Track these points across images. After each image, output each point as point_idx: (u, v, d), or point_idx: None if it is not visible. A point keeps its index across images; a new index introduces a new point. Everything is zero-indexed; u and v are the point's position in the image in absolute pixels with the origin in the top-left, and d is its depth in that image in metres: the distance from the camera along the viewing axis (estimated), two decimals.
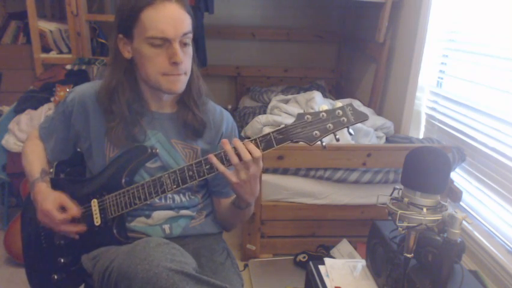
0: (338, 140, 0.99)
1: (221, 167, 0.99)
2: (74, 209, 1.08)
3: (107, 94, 1.09)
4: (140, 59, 1.05)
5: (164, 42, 1.01)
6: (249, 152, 0.97)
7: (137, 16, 1.00)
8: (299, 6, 3.39)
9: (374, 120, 2.35)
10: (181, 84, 1.07)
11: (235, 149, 0.98)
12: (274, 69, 3.50)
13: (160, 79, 1.04)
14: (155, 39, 1.00)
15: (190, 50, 1.07)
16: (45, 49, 2.58)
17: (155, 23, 0.99)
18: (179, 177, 1.03)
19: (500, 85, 1.74)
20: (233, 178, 1.00)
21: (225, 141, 0.99)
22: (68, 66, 2.42)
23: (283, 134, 0.98)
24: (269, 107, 2.54)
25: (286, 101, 2.55)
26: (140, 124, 1.12)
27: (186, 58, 1.05)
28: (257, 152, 0.97)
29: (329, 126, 0.96)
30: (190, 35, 1.06)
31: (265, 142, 0.99)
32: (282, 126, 0.98)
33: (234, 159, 0.98)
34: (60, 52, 2.62)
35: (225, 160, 1.00)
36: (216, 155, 1.00)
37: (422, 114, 2.31)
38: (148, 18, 0.99)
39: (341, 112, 0.96)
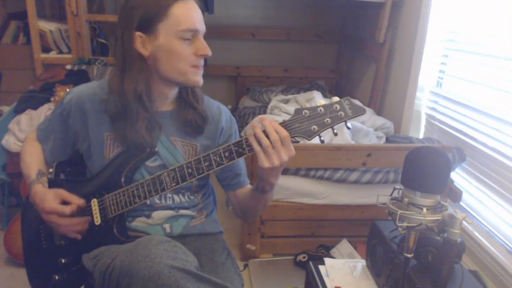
0: (335, 134, 0.99)
1: (257, 147, 0.96)
2: (76, 199, 1.08)
3: (135, 98, 1.06)
4: (167, 54, 1.04)
5: (192, 36, 1.04)
6: (276, 132, 0.96)
7: (167, 11, 1.01)
8: (299, 6, 3.40)
9: (374, 120, 2.35)
10: (201, 77, 1.11)
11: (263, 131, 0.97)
12: (274, 69, 3.51)
13: (189, 72, 1.06)
14: (188, 32, 1.03)
15: None
16: (45, 49, 2.58)
17: (188, 17, 1.03)
18: (178, 175, 1.04)
19: (500, 85, 1.74)
20: (266, 163, 0.97)
21: (255, 124, 0.99)
22: (68, 66, 2.42)
23: None
24: (269, 107, 2.54)
25: (286, 101, 2.55)
26: (159, 124, 1.12)
27: None
28: (283, 131, 0.96)
29: (327, 121, 0.96)
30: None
31: None
32: (280, 121, 0.98)
33: (265, 141, 0.96)
34: (60, 52, 2.62)
35: (224, 157, 1.00)
36: (223, 149, 1.00)
37: (422, 114, 2.31)
38: (180, 12, 1.02)
39: (338, 106, 0.96)
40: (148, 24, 1.02)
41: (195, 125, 1.15)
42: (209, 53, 1.06)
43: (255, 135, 0.96)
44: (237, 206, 1.27)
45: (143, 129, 1.07)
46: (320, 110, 0.96)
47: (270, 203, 1.20)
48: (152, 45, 1.04)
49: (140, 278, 0.87)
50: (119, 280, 0.91)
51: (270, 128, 0.95)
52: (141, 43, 1.04)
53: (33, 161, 1.18)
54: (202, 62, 1.08)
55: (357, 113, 0.96)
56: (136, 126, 1.07)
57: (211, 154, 1.01)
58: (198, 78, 1.09)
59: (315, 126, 0.96)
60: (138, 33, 1.03)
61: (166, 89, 1.11)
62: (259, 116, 0.99)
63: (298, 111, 0.97)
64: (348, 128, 1.00)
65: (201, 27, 1.06)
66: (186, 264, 0.91)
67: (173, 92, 1.14)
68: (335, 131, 0.99)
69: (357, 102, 1.01)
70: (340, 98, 0.98)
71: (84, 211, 1.11)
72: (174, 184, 1.04)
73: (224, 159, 1.00)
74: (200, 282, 0.91)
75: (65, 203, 1.08)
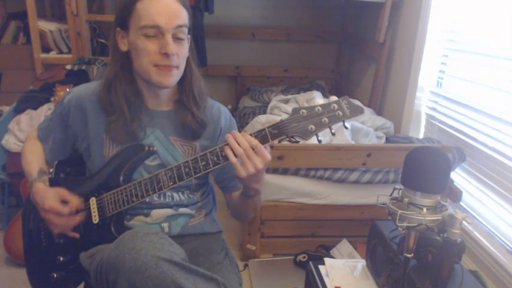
0: (333, 134, 0.99)
1: (233, 159, 0.97)
2: (76, 200, 1.09)
3: (105, 87, 1.10)
4: (135, 51, 1.06)
5: (157, 33, 1.02)
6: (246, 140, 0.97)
7: (133, 7, 1.02)
8: (299, 6, 3.40)
9: (374, 120, 2.35)
10: (172, 78, 1.07)
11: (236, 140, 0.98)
12: (274, 69, 3.51)
13: (151, 70, 1.05)
14: (148, 28, 1.01)
15: (184, 45, 1.08)
16: (45, 49, 2.58)
17: (149, 13, 1.01)
18: (175, 174, 1.04)
19: (500, 85, 1.74)
20: (242, 172, 0.98)
21: (228, 135, 0.99)
22: (68, 66, 2.42)
23: (278, 129, 0.97)
24: (269, 107, 2.54)
25: (286, 101, 2.55)
26: (139, 119, 1.12)
27: (180, 52, 1.06)
28: (254, 140, 0.96)
29: (324, 120, 0.96)
30: (185, 29, 1.06)
31: (260, 137, 0.98)
32: (277, 121, 0.98)
33: (238, 150, 0.96)
34: (60, 52, 2.62)
35: (221, 156, 1.00)
36: (220, 148, 1.00)
37: (422, 114, 2.31)
38: (143, 8, 1.01)
39: (336, 106, 0.96)
40: (123, 20, 1.05)
41: (192, 130, 1.15)
42: (169, 50, 1.02)
43: (229, 145, 0.97)
44: (232, 208, 1.28)
45: (120, 122, 1.09)
46: (318, 109, 0.96)
47: (260, 206, 1.22)
48: (127, 41, 1.07)
49: (126, 271, 0.86)
50: (107, 273, 0.90)
51: (240, 138, 0.97)
52: (121, 38, 1.08)
53: (35, 160, 1.18)
54: (171, 62, 1.04)
55: (355, 112, 0.96)
56: (111, 118, 1.09)
57: (208, 154, 1.01)
58: (161, 79, 1.05)
59: (312, 126, 0.96)
60: (118, 29, 1.07)
61: (151, 87, 1.11)
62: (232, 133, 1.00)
63: (295, 111, 0.97)
64: (346, 127, 1.00)
65: (167, 24, 1.01)
66: (173, 256, 0.91)
67: (164, 91, 1.13)
68: (333, 131, 0.98)
69: (356, 101, 1.01)
70: (338, 97, 0.98)
71: (83, 210, 1.11)
72: (171, 183, 1.04)
73: (221, 158, 1.00)
74: (188, 273, 0.91)
75: (65, 202, 1.08)
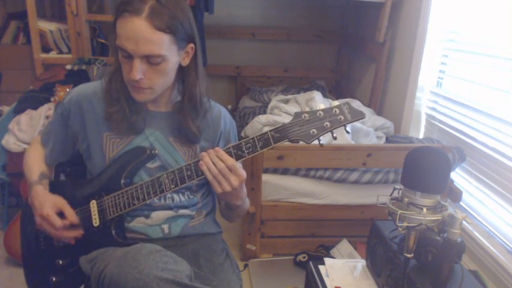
0: (335, 138, 1.00)
1: (210, 176, 1.00)
2: (72, 216, 1.07)
3: (108, 78, 1.10)
4: None
5: (128, 55, 0.99)
6: (222, 160, 0.99)
7: (116, 21, 1.01)
8: (299, 6, 3.40)
9: (374, 120, 2.35)
10: (145, 96, 1.06)
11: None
12: (274, 69, 3.51)
13: (128, 84, 1.06)
14: (120, 49, 1.00)
15: (160, 69, 1.02)
16: (45, 49, 2.58)
17: (121, 34, 0.98)
18: (177, 177, 1.04)
19: (500, 85, 1.74)
20: (218, 189, 1.01)
21: (203, 154, 1.01)
22: (68, 66, 2.42)
23: (281, 133, 0.98)
24: (269, 107, 2.54)
25: (286, 101, 2.55)
26: (138, 112, 1.11)
27: (152, 75, 1.02)
28: (229, 160, 0.99)
29: (326, 125, 0.97)
30: (158, 59, 0.99)
31: (263, 141, 0.99)
32: (280, 124, 0.99)
33: (214, 170, 0.99)
34: (60, 52, 2.62)
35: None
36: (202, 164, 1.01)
37: (422, 114, 2.31)
38: (118, 27, 0.99)
39: (337, 110, 0.97)
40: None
41: (189, 136, 1.14)
42: (132, 77, 0.99)
43: (204, 164, 0.99)
44: (220, 209, 1.29)
45: (120, 114, 1.08)
46: (320, 113, 0.97)
47: (244, 213, 1.26)
48: None
49: None
50: None
51: (215, 159, 0.99)
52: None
53: (36, 164, 1.18)
54: (139, 84, 1.02)
55: (357, 117, 0.98)
56: (111, 110, 1.09)
57: None
58: (134, 95, 1.06)
59: (314, 130, 0.97)
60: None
61: None
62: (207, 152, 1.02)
63: (297, 115, 0.98)
64: (348, 132, 1.01)
65: (133, 50, 0.97)
66: (177, 275, 0.91)
67: (155, 94, 1.10)
68: (335, 135, 1.00)
69: (357, 102, 1.01)
70: (340, 99, 0.98)
71: (84, 212, 1.11)
72: (173, 186, 1.04)
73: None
74: None
75: (61, 214, 1.07)
